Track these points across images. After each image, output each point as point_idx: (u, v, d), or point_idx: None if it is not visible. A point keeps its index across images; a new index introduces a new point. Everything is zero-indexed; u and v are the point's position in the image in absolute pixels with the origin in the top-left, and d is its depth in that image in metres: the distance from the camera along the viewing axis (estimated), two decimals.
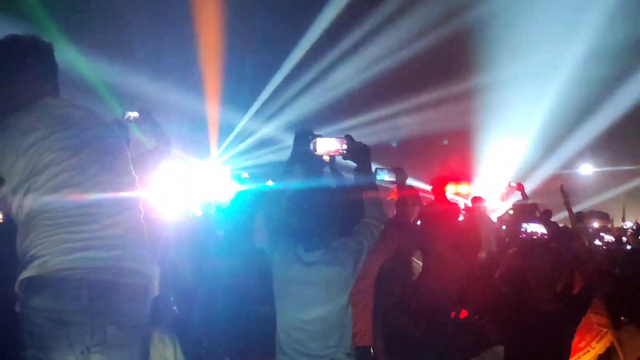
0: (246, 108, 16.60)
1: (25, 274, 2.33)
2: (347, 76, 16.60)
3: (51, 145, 2.46)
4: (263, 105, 16.72)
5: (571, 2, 15.16)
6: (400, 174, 4.62)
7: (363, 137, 4.08)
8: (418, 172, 12.40)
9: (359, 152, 3.57)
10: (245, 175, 6.03)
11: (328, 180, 4.09)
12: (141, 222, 2.61)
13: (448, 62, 16.19)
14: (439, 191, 6.65)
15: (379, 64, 16.33)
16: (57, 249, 2.33)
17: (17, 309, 2.35)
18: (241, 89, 16.03)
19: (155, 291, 2.56)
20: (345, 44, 16.19)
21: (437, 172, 11.89)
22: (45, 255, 2.32)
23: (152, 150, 4.06)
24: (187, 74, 14.65)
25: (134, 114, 4.21)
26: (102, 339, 2.30)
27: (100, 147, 2.61)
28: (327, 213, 3.39)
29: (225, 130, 16.42)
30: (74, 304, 2.28)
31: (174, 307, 4.70)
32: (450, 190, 14.52)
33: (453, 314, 5.76)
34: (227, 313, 4.96)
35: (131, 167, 2.72)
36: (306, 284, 3.30)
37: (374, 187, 3.94)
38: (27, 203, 2.41)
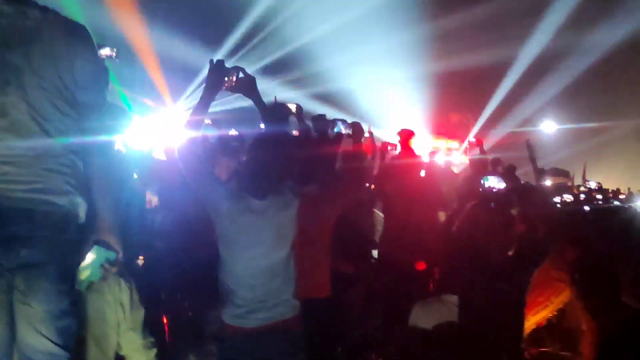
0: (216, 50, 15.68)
1: None
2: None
3: None
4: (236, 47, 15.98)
5: None
6: (358, 127, 4.62)
7: None
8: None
9: (244, 84, 3.61)
10: (207, 121, 5.91)
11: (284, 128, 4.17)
12: (70, 159, 2.59)
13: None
14: (404, 144, 6.71)
15: None
16: None
17: None
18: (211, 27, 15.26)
19: (81, 219, 2.62)
20: None
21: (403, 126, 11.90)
22: None
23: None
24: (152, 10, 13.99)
25: (105, 51, 3.77)
26: (17, 260, 2.43)
27: (48, 74, 2.50)
28: (277, 160, 3.40)
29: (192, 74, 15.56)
30: None
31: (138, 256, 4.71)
32: (442, 146, 14.74)
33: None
34: (189, 257, 4.98)
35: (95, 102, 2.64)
36: (257, 230, 3.34)
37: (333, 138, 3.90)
38: None
